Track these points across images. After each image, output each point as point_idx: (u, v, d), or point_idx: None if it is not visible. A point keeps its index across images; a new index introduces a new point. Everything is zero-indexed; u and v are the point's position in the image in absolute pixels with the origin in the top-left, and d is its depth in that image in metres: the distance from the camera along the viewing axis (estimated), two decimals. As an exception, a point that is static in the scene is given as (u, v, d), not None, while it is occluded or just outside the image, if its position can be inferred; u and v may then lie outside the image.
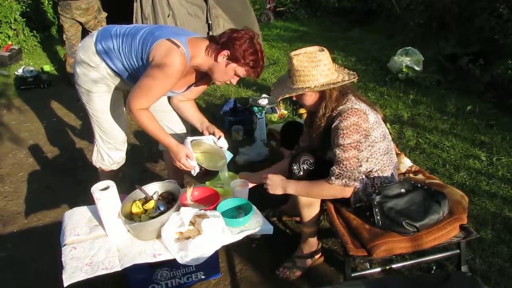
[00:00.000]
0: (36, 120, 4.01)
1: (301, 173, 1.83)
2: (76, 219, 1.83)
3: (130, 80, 1.96)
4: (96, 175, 2.31)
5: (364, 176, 1.81)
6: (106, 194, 1.65)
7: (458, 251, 1.81)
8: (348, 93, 1.80)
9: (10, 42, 5.77)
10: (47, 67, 5.33)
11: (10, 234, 2.44)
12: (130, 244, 1.68)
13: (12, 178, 3.02)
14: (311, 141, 1.98)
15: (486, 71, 4.17)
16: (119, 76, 1.98)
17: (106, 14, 4.60)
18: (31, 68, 4.96)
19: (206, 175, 2.00)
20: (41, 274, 2.11)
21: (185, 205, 1.83)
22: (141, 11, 4.12)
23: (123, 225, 1.70)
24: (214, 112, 3.86)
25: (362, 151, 1.76)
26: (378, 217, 1.67)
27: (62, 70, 5.17)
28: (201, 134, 2.09)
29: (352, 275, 1.74)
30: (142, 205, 1.77)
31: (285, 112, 3.75)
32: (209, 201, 1.90)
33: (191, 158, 1.90)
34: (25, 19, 6.05)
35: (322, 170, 1.79)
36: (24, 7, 6.08)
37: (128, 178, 2.77)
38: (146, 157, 3.23)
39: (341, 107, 1.76)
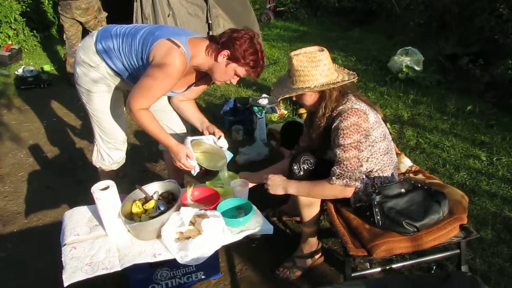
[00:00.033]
0: (36, 120, 4.01)
1: (302, 173, 1.83)
2: (76, 219, 1.83)
3: (130, 80, 1.96)
4: (96, 175, 2.31)
5: (364, 176, 1.81)
6: (106, 194, 1.65)
7: (458, 251, 1.81)
8: (348, 93, 1.80)
9: (10, 42, 5.77)
10: (47, 67, 5.33)
11: (10, 234, 2.44)
12: (130, 244, 1.68)
13: (12, 178, 3.02)
14: (311, 141, 1.98)
15: (486, 71, 4.17)
16: (119, 76, 1.98)
17: (106, 14, 4.60)
18: (31, 68, 4.96)
19: (206, 175, 2.00)
20: (41, 274, 2.11)
21: (185, 205, 1.83)
22: (141, 11, 4.12)
23: (123, 225, 1.70)
24: (214, 112, 3.86)
25: (363, 151, 1.76)
26: (378, 217, 1.67)
27: (62, 70, 5.17)
28: (201, 134, 2.09)
29: (352, 275, 1.74)
30: (142, 205, 1.77)
31: (285, 112, 3.75)
32: (209, 201, 1.90)
33: (191, 158, 1.90)
34: (25, 19, 6.05)
35: (322, 170, 1.79)
36: (24, 7, 6.08)
37: (128, 178, 2.77)
38: (146, 157, 3.23)
39: (341, 107, 1.76)
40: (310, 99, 1.83)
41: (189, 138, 1.96)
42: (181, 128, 2.26)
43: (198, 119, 2.14)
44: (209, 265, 1.88)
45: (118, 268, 1.57)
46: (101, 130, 2.11)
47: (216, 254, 1.83)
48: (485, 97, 3.91)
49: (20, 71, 4.93)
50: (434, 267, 1.99)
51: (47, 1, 6.45)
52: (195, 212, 1.72)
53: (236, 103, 3.71)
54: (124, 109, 2.13)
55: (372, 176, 1.83)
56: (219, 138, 2.04)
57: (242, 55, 1.81)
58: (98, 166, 2.25)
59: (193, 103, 2.19)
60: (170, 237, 1.64)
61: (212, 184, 2.06)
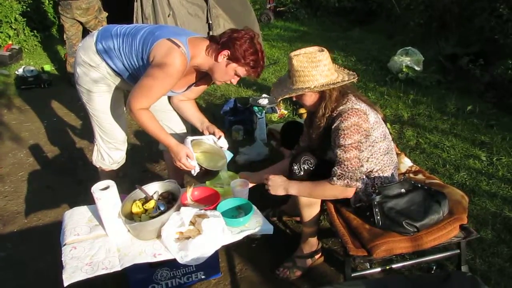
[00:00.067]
0: (37, 119, 4.01)
1: (302, 173, 1.83)
2: (76, 219, 1.83)
3: (131, 80, 1.96)
4: (96, 174, 2.31)
5: (364, 176, 1.81)
6: (106, 194, 1.65)
7: (458, 251, 1.81)
8: (348, 93, 1.80)
9: (10, 42, 5.77)
10: (48, 67, 5.33)
11: (10, 234, 2.44)
12: (130, 244, 1.68)
13: (12, 178, 3.03)
14: (311, 141, 1.98)
15: (486, 71, 4.17)
16: (119, 75, 1.98)
17: (107, 14, 4.60)
18: (32, 68, 4.96)
19: (206, 175, 2.00)
20: (41, 274, 2.11)
21: (185, 205, 1.83)
22: (141, 11, 4.12)
23: (123, 225, 1.70)
24: (214, 112, 3.86)
25: (363, 151, 1.76)
26: (378, 217, 1.67)
27: (62, 70, 5.17)
28: (201, 133, 2.09)
29: (352, 275, 1.75)
30: (142, 205, 1.77)
31: (285, 112, 3.75)
32: (209, 201, 1.90)
33: (191, 157, 1.90)
34: (25, 19, 6.05)
35: (322, 170, 1.79)
36: (24, 7, 6.08)
37: (128, 178, 2.78)
38: (146, 157, 3.23)
39: (341, 107, 1.76)
40: (310, 99, 1.83)
41: (189, 138, 1.96)
42: (181, 128, 2.26)
43: (198, 119, 2.14)
44: (209, 265, 1.88)
45: (118, 268, 1.57)
46: (101, 130, 2.11)
47: (216, 254, 1.83)
48: (485, 97, 3.91)
49: (20, 71, 4.93)
50: (434, 267, 1.99)
51: (47, 1, 6.46)
52: (195, 212, 1.72)
53: (236, 103, 3.71)
54: (124, 109, 2.13)
55: (372, 176, 1.83)
56: (219, 138, 2.04)
57: (242, 55, 1.81)
58: (98, 166, 2.25)
59: (193, 103, 2.19)
60: (170, 237, 1.64)
61: (212, 184, 2.06)
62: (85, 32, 4.46)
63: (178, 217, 1.68)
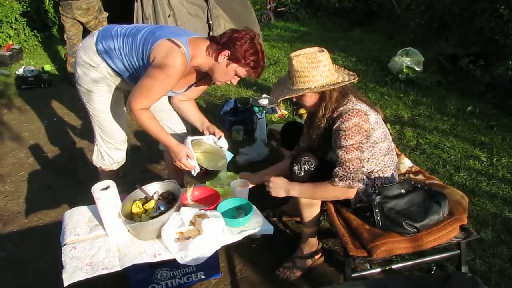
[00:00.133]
0: (37, 119, 4.01)
1: (302, 173, 1.83)
2: (76, 219, 1.83)
3: (131, 80, 1.96)
4: (97, 174, 2.31)
5: (365, 177, 1.81)
6: (106, 194, 1.65)
7: (458, 251, 1.80)
8: (349, 93, 1.80)
9: (11, 42, 5.77)
10: (48, 67, 5.33)
11: (11, 234, 2.44)
12: (130, 244, 1.68)
13: (12, 178, 3.03)
14: (311, 142, 1.98)
15: (486, 72, 4.17)
16: (119, 76, 1.99)
17: (107, 14, 4.60)
18: (32, 68, 4.97)
19: (206, 175, 2.00)
20: (41, 274, 2.11)
21: (185, 205, 1.83)
22: (142, 11, 4.12)
23: (123, 225, 1.70)
24: (215, 112, 3.86)
25: (364, 152, 1.76)
26: (378, 218, 1.67)
27: (62, 70, 5.18)
28: (202, 134, 2.09)
29: (352, 275, 1.74)
30: (143, 205, 1.77)
31: (286, 112, 3.75)
32: (209, 201, 1.90)
33: (191, 158, 1.90)
34: (26, 19, 6.06)
35: (323, 170, 1.79)
36: (25, 7, 6.08)
37: (129, 178, 2.78)
38: (146, 157, 3.23)
39: (341, 108, 1.76)
40: (310, 100, 1.83)
41: (190, 138, 1.96)
42: (181, 128, 2.26)
43: (198, 119, 2.14)
44: (209, 265, 1.88)
45: (118, 268, 1.57)
46: (102, 130, 2.11)
47: (216, 254, 1.83)
48: (486, 98, 3.91)
49: (20, 71, 4.93)
50: (434, 267, 1.99)
51: (48, 1, 6.45)
52: (195, 212, 1.72)
53: (237, 103, 3.71)
54: (125, 109, 2.13)
55: (373, 176, 1.83)
56: (219, 138, 2.04)
57: (242, 55, 1.81)
58: (98, 166, 2.25)
59: (193, 103, 2.20)
60: (170, 237, 1.64)
61: (212, 184, 2.06)
62: (86, 32, 4.46)
63: (178, 217, 1.68)
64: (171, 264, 1.82)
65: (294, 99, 1.85)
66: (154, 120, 1.88)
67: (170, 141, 1.90)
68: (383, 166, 1.83)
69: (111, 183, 1.69)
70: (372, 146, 1.79)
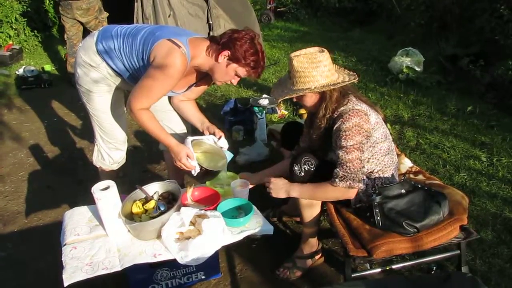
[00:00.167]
0: (37, 119, 4.01)
1: (302, 173, 1.83)
2: (76, 219, 1.83)
3: (131, 80, 1.96)
4: (97, 174, 2.31)
5: (365, 177, 1.81)
6: (106, 194, 1.65)
7: (459, 251, 1.80)
8: (349, 93, 1.80)
9: (11, 42, 5.77)
10: (48, 67, 5.33)
11: (11, 234, 2.44)
12: (130, 244, 1.68)
13: (12, 178, 3.03)
14: (311, 142, 1.98)
15: (486, 72, 4.17)
16: (119, 76, 1.99)
17: (107, 14, 4.60)
18: (32, 68, 4.97)
19: (207, 175, 2.00)
20: (41, 274, 2.11)
21: (185, 205, 1.83)
22: (142, 11, 4.12)
23: (123, 225, 1.70)
24: (215, 112, 3.86)
25: (364, 152, 1.75)
26: (379, 218, 1.67)
27: (63, 70, 5.18)
28: (202, 134, 2.09)
29: (352, 275, 1.74)
30: (143, 205, 1.77)
31: (286, 112, 3.75)
32: (210, 201, 1.90)
33: (191, 158, 1.90)
34: (26, 19, 6.06)
35: (323, 170, 1.79)
36: (25, 7, 6.08)
37: (129, 178, 2.78)
38: (146, 157, 3.23)
39: (342, 108, 1.76)
40: (310, 100, 1.83)
41: (190, 138, 1.96)
42: (181, 128, 2.26)
43: (198, 119, 2.14)
44: (209, 265, 1.88)
45: (118, 268, 1.57)
46: (102, 130, 2.11)
47: (216, 255, 1.83)
48: (486, 98, 3.91)
49: (20, 71, 4.93)
50: (434, 267, 1.99)
51: (48, 1, 6.46)
52: (195, 212, 1.72)
53: (237, 104, 3.71)
54: (125, 109, 2.13)
55: (373, 177, 1.83)
56: (219, 139, 2.04)
57: (242, 55, 1.81)
58: (98, 166, 2.25)
59: (193, 103, 2.20)
60: (170, 237, 1.64)
61: (212, 184, 2.06)
62: (86, 32, 4.46)
63: (178, 217, 1.68)
64: (171, 264, 1.82)
65: (295, 99, 1.85)
66: (154, 120, 1.88)
67: (170, 141, 1.90)
68: (383, 166, 1.83)
69: (111, 183, 1.69)
70: (372, 146, 1.79)
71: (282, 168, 2.10)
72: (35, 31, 6.23)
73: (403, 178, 1.89)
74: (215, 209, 1.81)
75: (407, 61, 4.48)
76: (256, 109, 3.52)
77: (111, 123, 2.09)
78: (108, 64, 1.94)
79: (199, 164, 1.92)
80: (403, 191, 1.71)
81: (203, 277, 1.98)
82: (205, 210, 1.78)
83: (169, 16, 4.19)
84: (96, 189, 1.66)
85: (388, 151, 1.84)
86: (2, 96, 4.58)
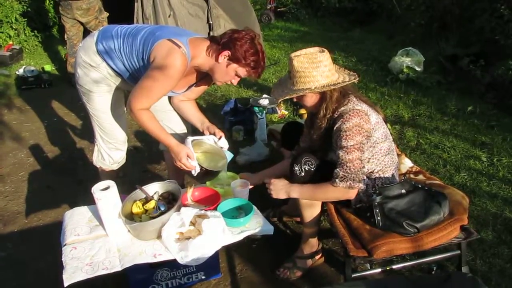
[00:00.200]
0: (37, 119, 4.01)
1: (303, 173, 1.83)
2: (76, 219, 1.83)
3: (131, 80, 1.96)
4: (97, 175, 2.31)
5: (365, 177, 1.81)
6: (106, 194, 1.65)
7: (459, 252, 1.80)
8: (349, 94, 1.80)
9: (11, 42, 5.77)
10: (48, 67, 5.33)
11: (11, 234, 2.44)
12: (130, 244, 1.68)
13: (12, 178, 3.03)
14: (311, 142, 1.98)
15: (486, 72, 4.16)
16: (120, 76, 1.99)
17: (108, 14, 4.60)
18: (32, 68, 4.97)
19: (207, 175, 2.00)
20: (42, 274, 2.11)
21: (185, 205, 1.83)
22: (142, 11, 4.12)
23: (123, 225, 1.70)
24: (215, 112, 3.86)
25: (364, 152, 1.75)
26: (379, 218, 1.67)
27: (63, 70, 5.18)
28: (202, 134, 2.09)
29: (353, 275, 1.74)
30: (143, 205, 1.77)
31: (286, 112, 3.75)
32: (210, 202, 1.90)
33: (191, 158, 1.90)
34: (26, 19, 6.06)
35: (323, 171, 1.79)
36: (25, 7, 6.08)
37: (129, 178, 2.78)
38: (146, 157, 3.23)
39: (342, 108, 1.75)
40: (310, 100, 1.83)
41: (190, 138, 1.96)
42: (181, 128, 2.26)
43: (198, 119, 2.14)
44: (209, 265, 1.88)
45: (118, 268, 1.57)
46: (102, 130, 2.11)
47: (216, 255, 1.83)
48: (486, 98, 3.91)
49: (21, 71, 4.94)
50: (435, 268, 1.98)
51: (48, 1, 6.46)
52: (195, 213, 1.72)
53: (237, 104, 3.71)
54: (125, 109, 2.13)
55: (373, 177, 1.83)
56: (219, 139, 2.04)
57: (243, 55, 1.81)
58: (98, 166, 2.25)
59: (193, 103, 2.20)
60: (170, 237, 1.64)
61: (212, 184, 2.06)
62: (86, 32, 4.46)
63: (179, 217, 1.68)
64: (171, 264, 1.82)
65: (295, 99, 1.85)
66: (154, 120, 1.88)
67: (171, 141, 1.90)
68: (383, 166, 1.83)
69: (111, 183, 1.69)
70: (372, 146, 1.78)
71: (282, 168, 2.10)
72: (35, 31, 6.23)
73: (403, 178, 1.89)
74: (215, 209, 1.81)
75: (407, 61, 4.48)
76: (256, 109, 3.52)
77: (111, 123, 2.09)
78: (108, 64, 1.94)
79: (199, 164, 1.92)
80: (403, 191, 1.71)
81: (203, 277, 1.98)
82: (205, 210, 1.78)
83: (169, 16, 4.20)
84: (96, 189, 1.66)
85: (389, 151, 1.84)
86: (2, 96, 4.58)
